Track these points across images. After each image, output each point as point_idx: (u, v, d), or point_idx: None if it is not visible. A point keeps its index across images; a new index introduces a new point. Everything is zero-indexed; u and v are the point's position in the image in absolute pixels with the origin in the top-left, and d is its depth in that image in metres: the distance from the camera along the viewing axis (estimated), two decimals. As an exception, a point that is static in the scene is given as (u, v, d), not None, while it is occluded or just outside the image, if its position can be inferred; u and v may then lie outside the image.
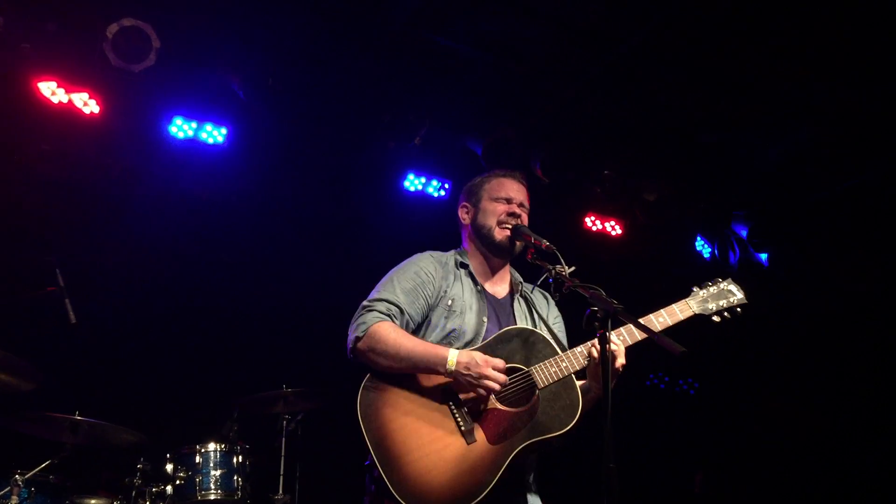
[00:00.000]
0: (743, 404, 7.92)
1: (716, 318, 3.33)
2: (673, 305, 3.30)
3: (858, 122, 6.59)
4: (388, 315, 3.20)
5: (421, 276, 3.33)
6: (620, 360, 3.05)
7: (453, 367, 3.00)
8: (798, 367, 7.74)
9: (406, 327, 3.24)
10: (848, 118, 6.55)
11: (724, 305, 3.34)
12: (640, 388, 8.13)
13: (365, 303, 3.25)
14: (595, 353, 3.03)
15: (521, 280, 3.57)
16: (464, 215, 3.56)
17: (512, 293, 3.50)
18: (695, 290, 3.37)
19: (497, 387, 2.99)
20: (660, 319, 3.23)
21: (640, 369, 8.19)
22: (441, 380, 3.10)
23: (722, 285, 3.38)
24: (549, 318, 3.50)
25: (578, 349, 3.11)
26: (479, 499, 2.90)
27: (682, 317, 3.27)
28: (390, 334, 3.12)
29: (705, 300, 3.34)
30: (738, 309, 3.35)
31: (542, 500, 3.26)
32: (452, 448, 2.98)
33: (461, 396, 3.08)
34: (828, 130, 6.73)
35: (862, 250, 7.52)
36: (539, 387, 3.06)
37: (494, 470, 2.95)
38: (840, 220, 7.48)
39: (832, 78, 6.11)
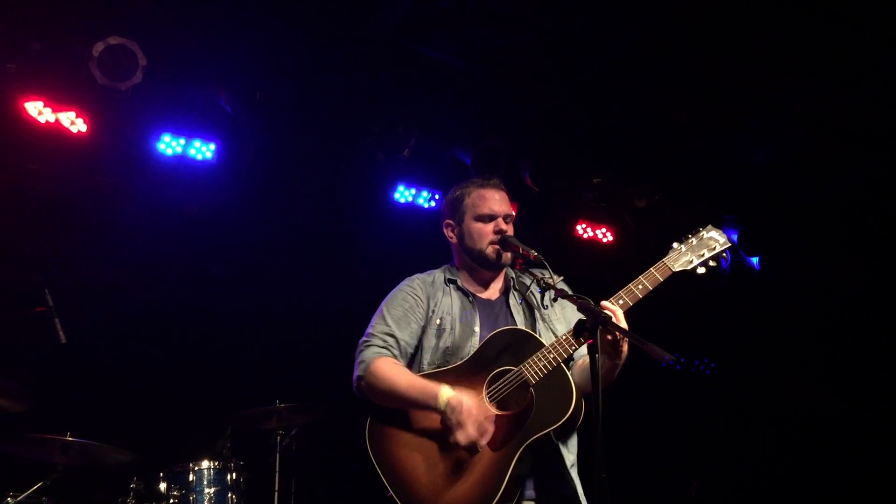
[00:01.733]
0: (736, 410, 7.90)
1: (700, 270, 3.19)
2: (651, 269, 3.19)
3: (845, 124, 6.62)
4: (386, 347, 3.25)
5: (409, 300, 3.35)
6: (622, 324, 2.99)
7: (443, 406, 3.01)
8: (788, 372, 7.73)
9: (404, 355, 3.29)
10: (835, 120, 6.58)
11: (706, 255, 3.20)
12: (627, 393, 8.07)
13: (363, 339, 3.30)
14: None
15: (514, 275, 3.53)
16: (450, 234, 3.52)
17: (506, 291, 3.48)
18: (674, 245, 3.25)
19: (464, 441, 2.96)
20: (639, 287, 3.13)
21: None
22: None
23: (702, 233, 3.25)
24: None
25: (563, 336, 3.09)
26: None
27: (661, 278, 3.16)
28: (385, 373, 3.16)
29: (684, 254, 3.20)
30: (724, 254, 3.21)
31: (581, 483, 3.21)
32: (459, 463, 3.01)
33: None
34: (815, 133, 6.75)
35: (853, 251, 7.54)
36: (531, 383, 3.05)
37: (501, 476, 2.95)
38: (830, 222, 7.51)
39: (818, 81, 6.13)
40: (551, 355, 3.05)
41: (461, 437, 2.96)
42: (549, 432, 2.99)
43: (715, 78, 6.20)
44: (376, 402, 3.18)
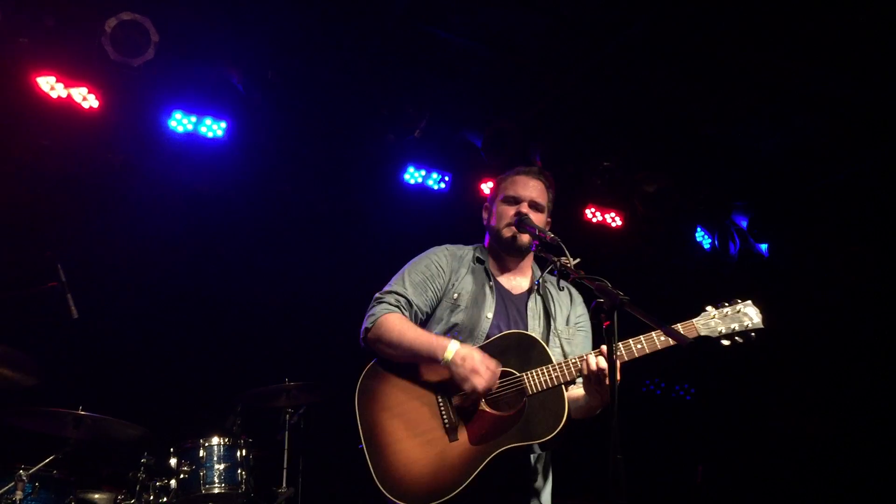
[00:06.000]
0: (743, 401, 7.91)
1: (725, 342, 3.06)
2: (678, 325, 3.08)
3: (856, 112, 6.60)
4: (397, 306, 3.31)
5: (431, 269, 3.41)
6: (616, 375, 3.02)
7: (450, 358, 3.06)
8: (797, 358, 7.74)
9: (415, 318, 3.34)
10: (845, 107, 6.56)
11: (736, 329, 3.05)
12: (636, 396, 8.10)
13: (377, 295, 3.37)
14: (586, 370, 3.01)
15: (542, 280, 3.53)
16: (484, 215, 3.63)
17: (530, 290, 3.49)
18: (708, 309, 3.12)
19: (481, 387, 3.03)
20: (661, 339, 3.04)
21: (637, 376, 8.20)
22: (437, 377, 3.17)
23: (738, 307, 3.10)
24: (572, 317, 3.48)
25: (572, 360, 3.10)
26: (450, 496, 2.97)
27: (687, 337, 2.98)
28: (395, 325, 3.22)
29: (715, 321, 3.07)
30: (753, 334, 3.06)
31: None
32: (435, 443, 3.06)
33: (453, 396, 3.13)
34: (825, 120, 6.73)
35: (861, 239, 7.53)
36: (528, 393, 3.08)
37: (470, 470, 3.00)
38: (839, 210, 7.49)
39: (829, 68, 6.11)
40: (555, 373, 3.08)
41: (478, 382, 3.02)
42: (529, 445, 3.04)
43: (726, 64, 6.18)
44: (380, 353, 3.24)
